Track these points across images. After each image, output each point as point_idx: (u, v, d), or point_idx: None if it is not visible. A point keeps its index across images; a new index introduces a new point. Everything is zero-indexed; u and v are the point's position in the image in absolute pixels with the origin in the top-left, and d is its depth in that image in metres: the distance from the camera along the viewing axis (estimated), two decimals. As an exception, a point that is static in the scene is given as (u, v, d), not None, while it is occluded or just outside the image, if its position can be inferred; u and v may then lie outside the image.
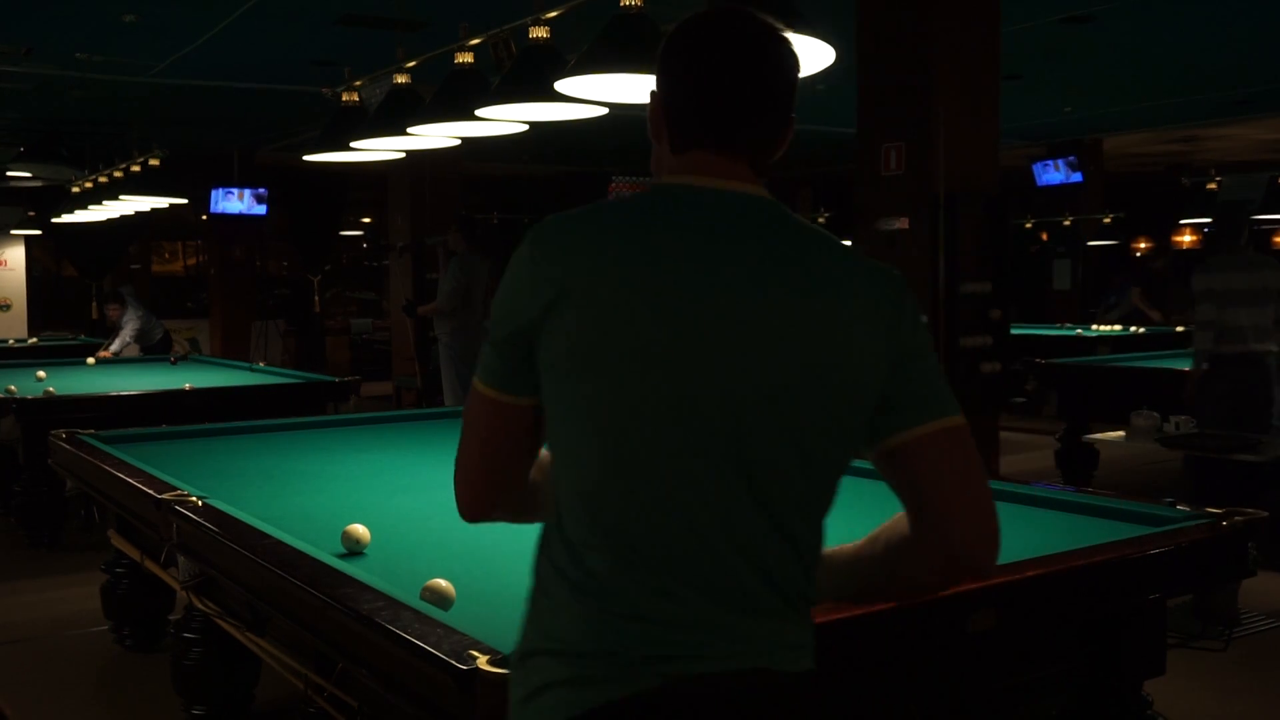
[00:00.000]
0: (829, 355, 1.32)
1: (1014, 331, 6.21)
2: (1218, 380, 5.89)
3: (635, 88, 3.37)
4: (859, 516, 2.84)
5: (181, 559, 2.96)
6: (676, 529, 1.29)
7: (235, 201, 12.36)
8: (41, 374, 7.16)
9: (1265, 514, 2.61)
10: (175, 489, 3.08)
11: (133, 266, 15.90)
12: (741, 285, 1.31)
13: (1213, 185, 12.02)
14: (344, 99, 4.84)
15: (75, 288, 14.96)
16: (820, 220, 12.91)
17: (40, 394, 5.92)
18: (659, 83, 1.44)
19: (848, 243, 1.44)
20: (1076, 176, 12.04)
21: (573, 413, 1.32)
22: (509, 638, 1.50)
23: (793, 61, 1.44)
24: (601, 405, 1.30)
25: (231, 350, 12.64)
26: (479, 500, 1.47)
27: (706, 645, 1.28)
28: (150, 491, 3.10)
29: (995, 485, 3.09)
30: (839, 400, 1.33)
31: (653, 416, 1.29)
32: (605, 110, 3.71)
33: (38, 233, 13.18)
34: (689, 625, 1.28)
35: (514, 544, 2.30)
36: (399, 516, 2.96)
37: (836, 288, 1.35)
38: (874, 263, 1.41)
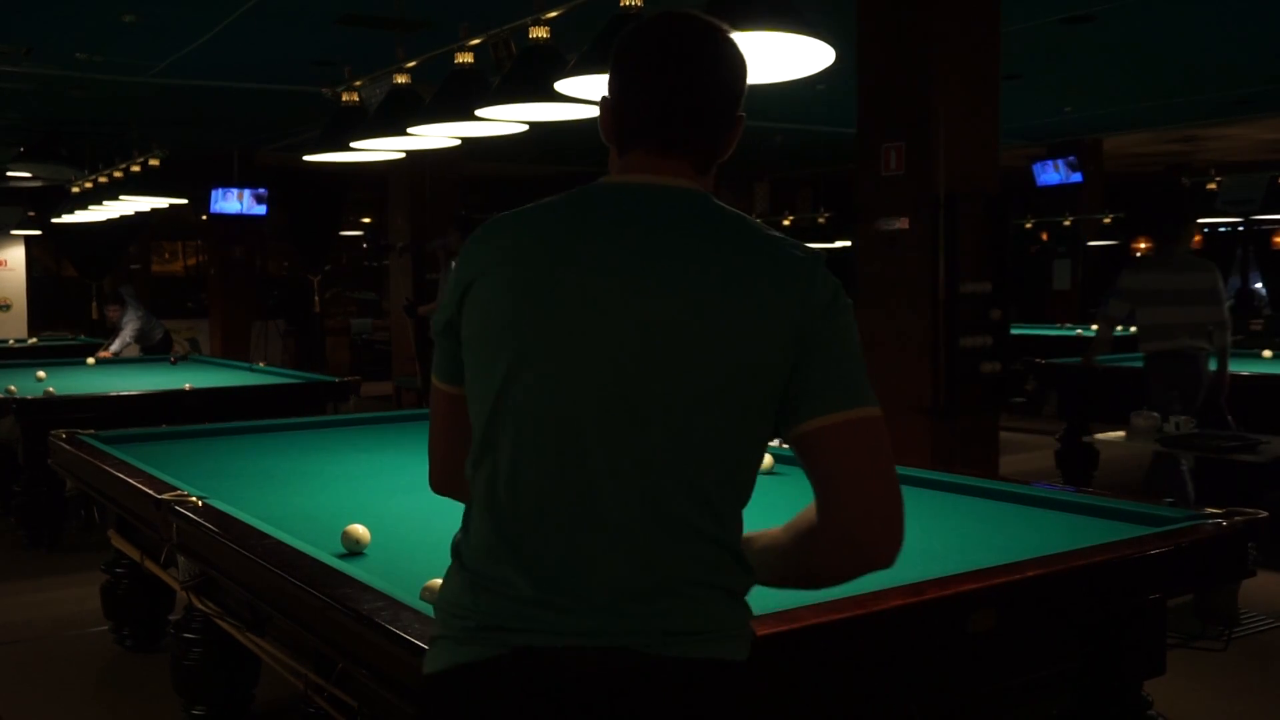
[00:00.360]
0: (722, 339, 1.33)
1: (1014, 331, 6.22)
2: (1155, 375, 6.20)
3: (635, 88, 3.36)
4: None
5: (181, 559, 2.96)
6: (546, 508, 1.34)
7: (235, 201, 12.36)
8: (41, 374, 7.16)
9: (1265, 514, 2.61)
10: (175, 489, 3.08)
11: (133, 266, 15.90)
12: (636, 269, 1.35)
13: (1212, 185, 12.02)
14: (344, 99, 4.83)
15: (75, 288, 14.96)
16: (820, 220, 12.87)
17: (40, 394, 5.92)
18: (609, 85, 1.49)
19: (781, 235, 1.44)
20: (1076, 176, 12.04)
21: (470, 396, 1.44)
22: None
23: (738, 64, 1.49)
24: (483, 390, 1.39)
25: (231, 350, 12.65)
26: (436, 478, 1.63)
27: (560, 623, 1.31)
28: (150, 491, 3.10)
29: (995, 485, 3.12)
30: (728, 377, 1.34)
31: (524, 400, 1.35)
32: (605, 110, 3.71)
33: (38, 233, 13.19)
34: (543, 603, 1.32)
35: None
36: (399, 516, 2.96)
37: (740, 274, 1.36)
38: (793, 253, 1.41)
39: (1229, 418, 6.33)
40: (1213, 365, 6.26)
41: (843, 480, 1.37)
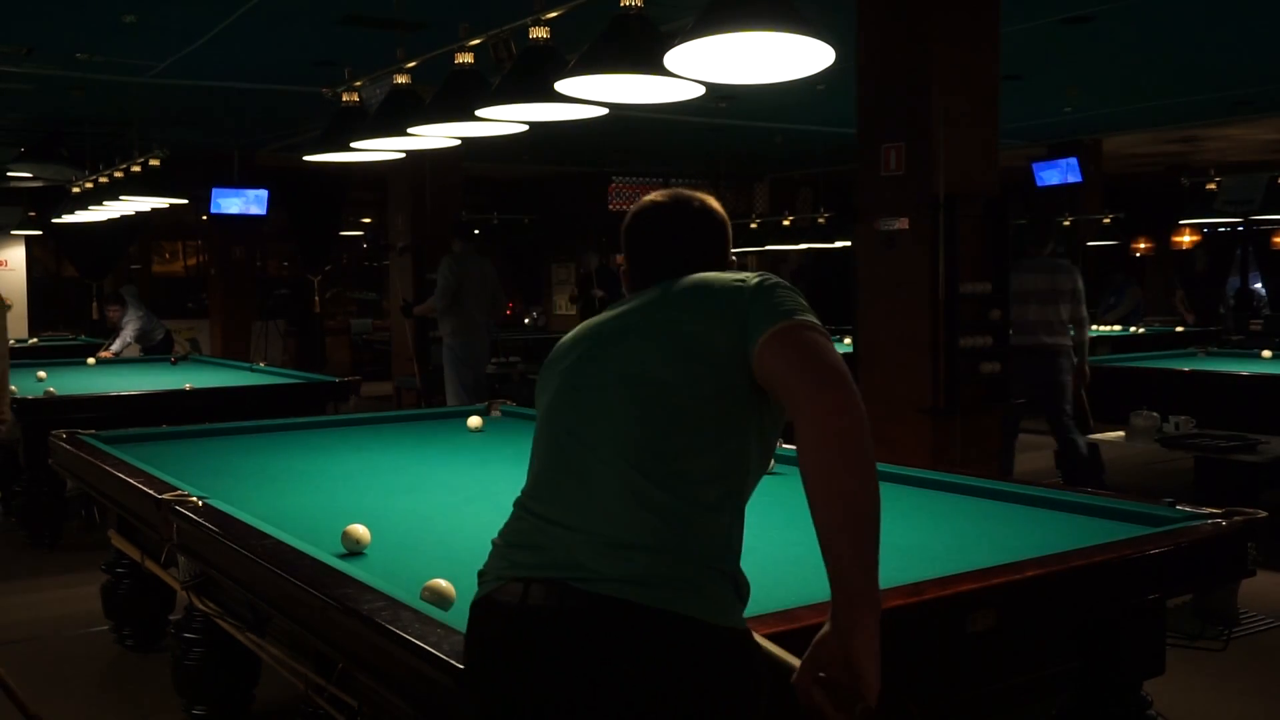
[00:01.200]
0: (684, 346, 1.68)
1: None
2: (1017, 369, 6.43)
3: (635, 88, 3.37)
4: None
5: (181, 559, 2.96)
6: (557, 484, 1.68)
7: (235, 201, 12.35)
8: (42, 374, 7.16)
9: (1265, 514, 2.61)
10: (175, 489, 3.08)
11: (133, 267, 15.89)
12: (633, 320, 1.78)
13: (1212, 185, 12.02)
14: (344, 99, 4.83)
15: (75, 288, 14.96)
16: (820, 220, 12.88)
17: (41, 394, 5.93)
18: (624, 249, 1.98)
19: (747, 275, 1.78)
20: (1076, 177, 12.03)
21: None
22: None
23: (715, 222, 1.95)
24: (539, 404, 1.83)
25: (231, 350, 12.64)
26: None
27: (561, 569, 1.58)
28: (150, 491, 3.10)
29: (995, 485, 3.12)
30: (693, 364, 1.66)
31: (553, 407, 1.76)
32: (605, 110, 3.71)
33: (38, 233, 13.18)
34: (547, 547, 1.62)
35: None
36: (399, 516, 2.96)
37: (702, 306, 1.72)
38: (743, 285, 1.72)
39: (1086, 408, 7.13)
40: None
41: (790, 379, 1.57)
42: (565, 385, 1.76)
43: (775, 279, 1.73)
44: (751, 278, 1.74)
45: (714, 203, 1.97)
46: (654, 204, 1.96)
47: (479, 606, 1.68)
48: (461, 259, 8.39)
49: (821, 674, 1.46)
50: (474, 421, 4.58)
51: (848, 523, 1.49)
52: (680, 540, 1.57)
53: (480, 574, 1.73)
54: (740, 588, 1.62)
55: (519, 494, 1.78)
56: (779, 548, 2.48)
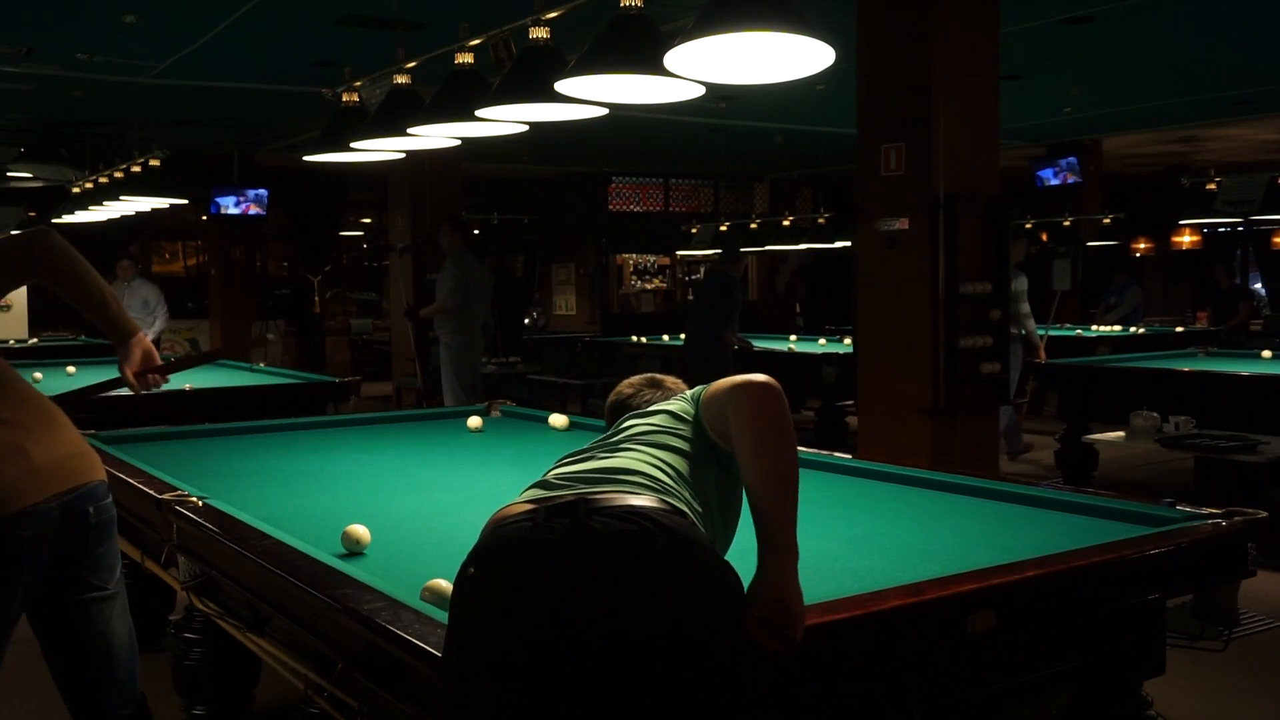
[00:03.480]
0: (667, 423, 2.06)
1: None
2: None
3: (635, 88, 3.37)
4: (861, 516, 2.85)
5: (182, 559, 2.96)
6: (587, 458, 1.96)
7: (235, 201, 12.36)
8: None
9: (1265, 514, 2.61)
10: (175, 489, 3.08)
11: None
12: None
13: (1212, 185, 12.01)
14: (344, 99, 4.84)
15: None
16: (820, 220, 12.89)
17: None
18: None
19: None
20: (1076, 177, 12.03)
21: None
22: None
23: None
24: None
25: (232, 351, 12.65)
26: None
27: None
28: (150, 491, 3.10)
29: (995, 485, 3.12)
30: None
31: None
32: (605, 110, 3.71)
33: (38, 233, 13.15)
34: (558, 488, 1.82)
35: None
36: (399, 516, 2.96)
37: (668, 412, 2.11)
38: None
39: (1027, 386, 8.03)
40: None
41: (720, 398, 1.96)
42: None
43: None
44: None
45: None
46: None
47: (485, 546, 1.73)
48: (464, 259, 8.40)
49: (759, 614, 1.73)
50: (474, 421, 4.58)
51: (761, 465, 1.85)
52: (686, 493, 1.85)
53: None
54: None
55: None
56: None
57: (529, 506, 1.72)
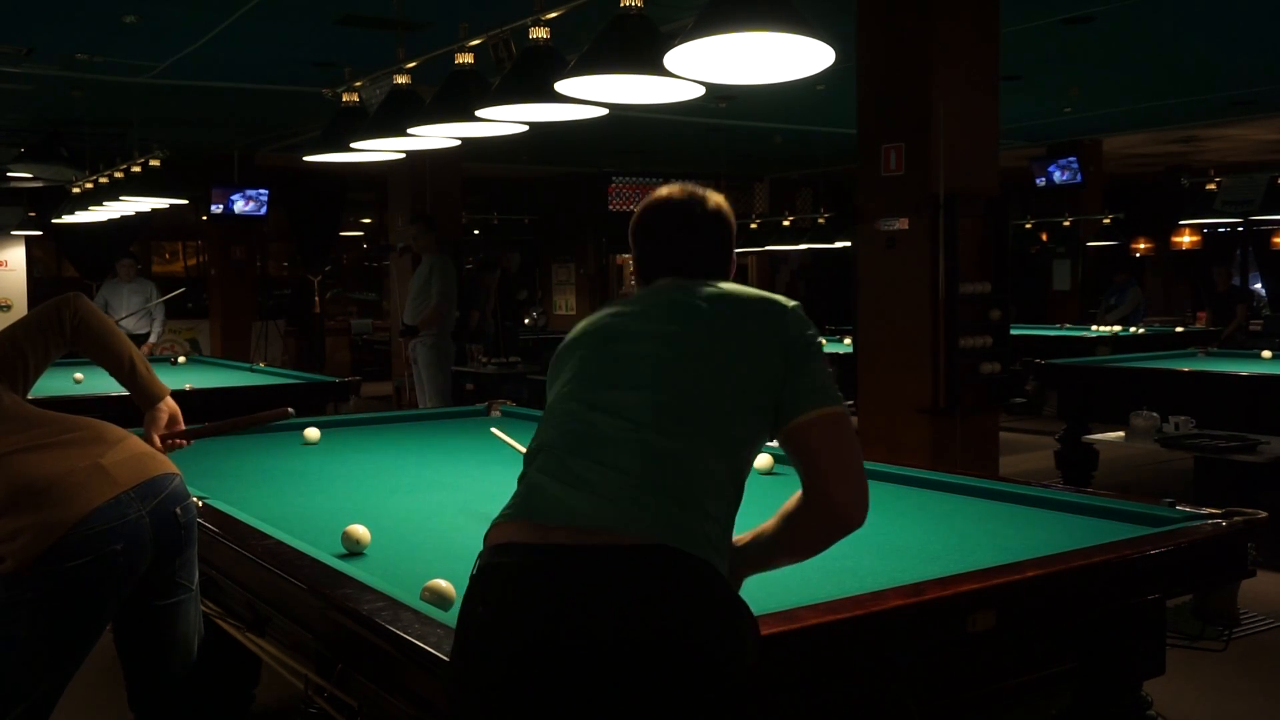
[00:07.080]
0: (706, 353, 1.79)
1: (1014, 332, 6.23)
2: None
3: (635, 88, 3.37)
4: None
5: (181, 559, 2.96)
6: (569, 449, 1.77)
7: (235, 201, 12.35)
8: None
9: (1265, 514, 2.61)
10: (175, 489, 3.07)
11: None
12: (649, 321, 1.86)
13: (1212, 185, 12.02)
14: (344, 99, 4.84)
15: (76, 288, 14.92)
16: (820, 220, 12.89)
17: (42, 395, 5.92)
18: (632, 244, 2.06)
19: (767, 294, 1.91)
20: (1076, 177, 12.03)
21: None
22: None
23: (724, 224, 2.06)
24: (554, 385, 1.97)
25: (231, 350, 12.64)
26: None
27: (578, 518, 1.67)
28: (150, 492, 3.09)
29: (995, 485, 3.12)
30: (719, 379, 1.78)
31: (575, 380, 1.89)
32: (605, 111, 3.71)
33: (38, 233, 13.16)
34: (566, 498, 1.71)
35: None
36: (399, 516, 2.96)
37: (726, 318, 1.83)
38: (768, 300, 1.86)
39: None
40: None
41: (823, 461, 1.76)
42: (591, 358, 1.86)
43: (803, 314, 1.86)
44: (775, 302, 1.86)
45: (723, 203, 2.06)
46: (666, 199, 2.03)
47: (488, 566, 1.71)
48: (443, 258, 8.38)
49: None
50: (312, 434, 4.32)
51: (791, 558, 1.90)
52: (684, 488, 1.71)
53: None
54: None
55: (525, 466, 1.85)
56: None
57: (524, 540, 1.68)
